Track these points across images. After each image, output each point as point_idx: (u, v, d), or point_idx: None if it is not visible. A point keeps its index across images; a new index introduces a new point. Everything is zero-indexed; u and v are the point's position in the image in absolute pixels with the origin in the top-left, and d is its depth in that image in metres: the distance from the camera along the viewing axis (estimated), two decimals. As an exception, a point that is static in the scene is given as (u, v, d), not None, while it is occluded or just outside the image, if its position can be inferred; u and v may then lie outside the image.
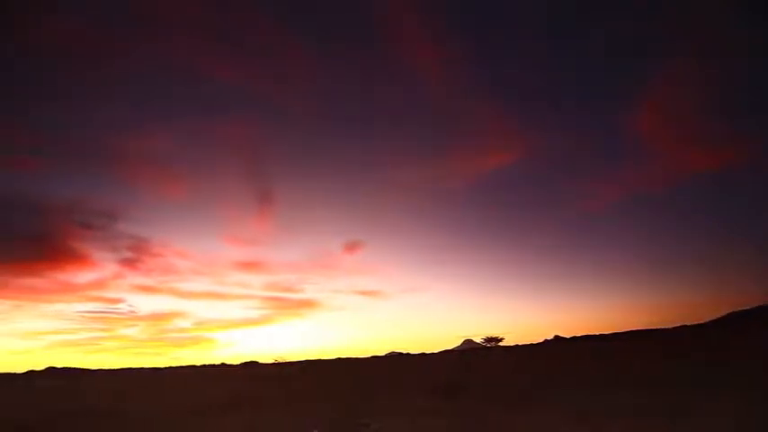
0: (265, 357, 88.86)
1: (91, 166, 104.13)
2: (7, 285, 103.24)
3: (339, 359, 70.72)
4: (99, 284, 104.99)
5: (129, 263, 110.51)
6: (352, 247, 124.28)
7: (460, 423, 10.33)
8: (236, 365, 74.06)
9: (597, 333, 75.15)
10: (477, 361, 34.70)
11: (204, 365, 76.41)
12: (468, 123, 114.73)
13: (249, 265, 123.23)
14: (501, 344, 66.50)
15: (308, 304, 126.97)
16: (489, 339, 65.94)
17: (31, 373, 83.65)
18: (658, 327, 75.06)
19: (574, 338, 76.49)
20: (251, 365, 71.89)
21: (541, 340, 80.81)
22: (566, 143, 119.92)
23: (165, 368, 79.43)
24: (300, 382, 26.41)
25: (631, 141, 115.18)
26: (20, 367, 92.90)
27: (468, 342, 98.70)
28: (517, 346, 70.41)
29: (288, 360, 67.76)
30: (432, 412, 11.81)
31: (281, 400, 16.85)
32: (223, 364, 78.57)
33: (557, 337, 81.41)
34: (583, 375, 18.73)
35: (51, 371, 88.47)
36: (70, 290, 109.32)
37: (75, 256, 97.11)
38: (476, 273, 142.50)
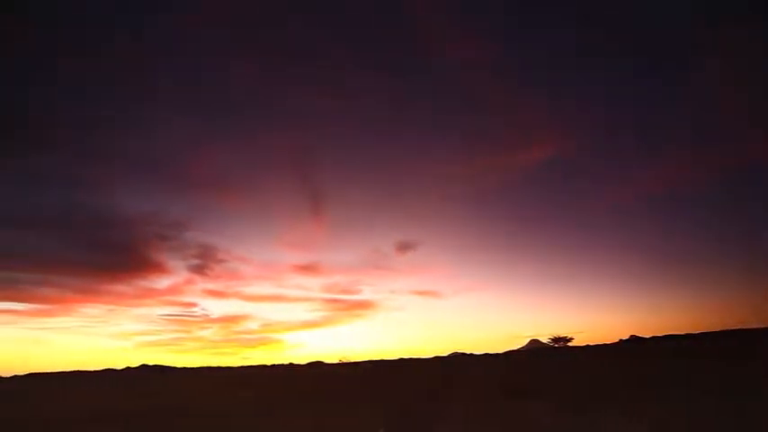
0: (330, 357, 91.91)
1: (162, 182, 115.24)
2: (100, 292, 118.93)
3: (402, 359, 70.97)
4: (174, 290, 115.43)
5: (198, 269, 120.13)
6: (404, 247, 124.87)
7: (529, 427, 9.92)
8: (303, 365, 77.10)
9: (681, 333, 68.23)
10: (545, 361, 33.08)
11: (273, 365, 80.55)
12: (512, 117, 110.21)
13: (306, 269, 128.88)
14: (570, 344, 62.97)
15: (366, 305, 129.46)
16: (557, 339, 62.73)
17: (128, 369, 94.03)
18: (749, 327, 66.43)
19: (654, 338, 70.12)
20: (317, 365, 74.50)
21: (616, 340, 75.06)
22: (614, 132, 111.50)
23: (238, 367, 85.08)
24: (365, 382, 26.92)
25: (699, 124, 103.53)
26: (117, 364, 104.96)
27: (535, 342, 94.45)
28: (588, 346, 66.23)
29: (352, 360, 69.48)
30: (499, 414, 11.47)
31: (346, 399, 17.29)
32: (291, 364, 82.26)
33: (633, 337, 75.15)
34: (663, 379, 17.12)
35: (144, 368, 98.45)
36: (151, 295, 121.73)
37: (154, 264, 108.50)
38: (538, 270, 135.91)
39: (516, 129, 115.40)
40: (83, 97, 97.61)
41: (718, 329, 68.84)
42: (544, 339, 67.64)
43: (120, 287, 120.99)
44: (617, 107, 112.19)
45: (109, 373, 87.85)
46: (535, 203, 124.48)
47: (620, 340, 76.36)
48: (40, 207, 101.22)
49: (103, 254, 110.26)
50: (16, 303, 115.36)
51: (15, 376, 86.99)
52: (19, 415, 16.08)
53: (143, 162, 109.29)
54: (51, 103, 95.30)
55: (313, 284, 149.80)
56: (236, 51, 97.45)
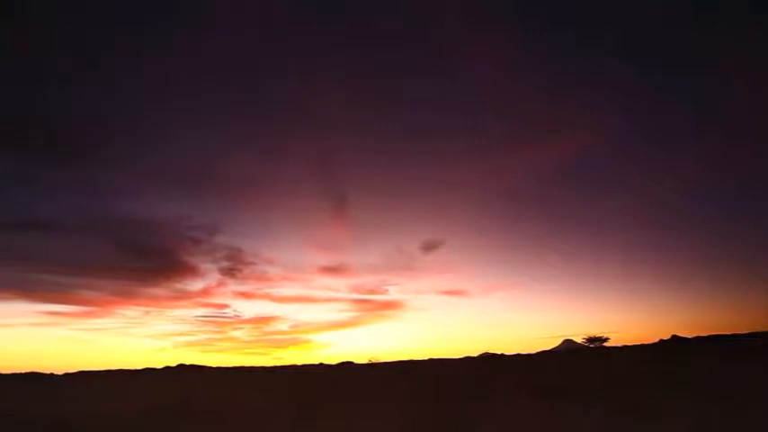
0: (359, 357, 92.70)
1: (191, 187, 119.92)
2: (138, 294, 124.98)
3: (432, 359, 70.62)
4: (207, 292, 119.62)
5: (228, 272, 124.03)
6: (430, 246, 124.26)
7: (567, 428, 9.71)
8: (333, 365, 78.01)
9: (727, 333, 64.57)
10: (581, 362, 32.13)
11: (304, 365, 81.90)
12: (538, 113, 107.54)
13: (333, 270, 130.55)
14: (606, 344, 60.86)
15: (393, 305, 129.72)
16: (592, 339, 60.78)
17: (167, 368, 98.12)
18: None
19: (698, 339, 66.73)
20: (346, 365, 75.21)
21: (656, 340, 71.95)
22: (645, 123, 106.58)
23: (271, 367, 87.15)
24: (396, 382, 27.01)
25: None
26: (157, 363, 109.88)
27: (568, 342, 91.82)
28: (626, 346, 63.85)
29: (382, 360, 69.76)
30: (532, 416, 11.29)
31: (377, 399, 17.42)
32: (321, 364, 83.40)
33: (675, 337, 71.78)
34: (707, 380, 16.30)
35: (182, 367, 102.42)
36: (185, 297, 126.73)
37: (187, 267, 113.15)
38: (569, 268, 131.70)
39: (544, 124, 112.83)
40: (114, 105, 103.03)
41: (767, 329, 64.87)
42: (578, 339, 65.64)
43: (156, 290, 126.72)
44: (647, 101, 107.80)
45: (150, 371, 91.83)
46: (565, 199, 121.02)
47: (661, 340, 73.12)
48: (81, 213, 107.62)
49: (139, 258, 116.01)
50: (63, 305, 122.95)
51: (67, 374, 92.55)
52: (74, 415, 17.10)
53: (173, 167, 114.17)
54: (87, 112, 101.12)
55: (340, 285, 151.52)
56: (263, 57, 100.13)
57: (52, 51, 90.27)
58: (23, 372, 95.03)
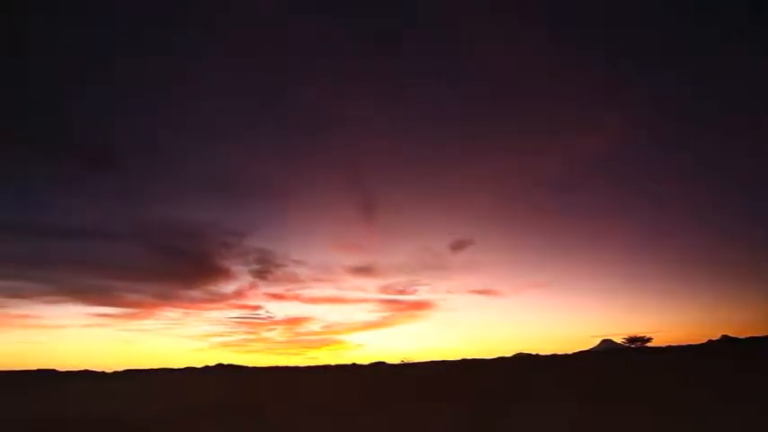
0: (391, 358, 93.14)
1: (222, 192, 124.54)
2: (178, 297, 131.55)
3: (464, 360, 69.92)
4: (240, 294, 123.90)
5: (260, 274, 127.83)
6: (458, 246, 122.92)
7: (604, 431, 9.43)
8: (366, 365, 78.64)
9: (786, 332, 60.08)
10: (621, 363, 30.91)
11: (337, 365, 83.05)
12: (563, 105, 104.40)
13: (362, 271, 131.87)
14: (648, 344, 58.14)
15: (423, 305, 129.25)
16: (633, 339, 58.24)
17: (206, 368, 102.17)
18: None
19: (751, 339, 62.58)
20: (379, 366, 75.62)
21: (704, 341, 68.00)
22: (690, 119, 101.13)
23: (304, 367, 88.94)
24: (430, 382, 26.97)
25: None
26: (196, 363, 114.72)
27: (607, 342, 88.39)
28: (670, 347, 60.84)
29: (414, 360, 69.74)
30: (571, 418, 11.03)
31: (408, 399, 17.49)
32: (354, 365, 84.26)
33: (725, 337, 67.58)
34: (760, 382, 15.32)
35: (220, 366, 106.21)
36: (220, 299, 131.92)
37: (220, 270, 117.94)
38: (606, 266, 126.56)
39: (575, 120, 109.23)
40: (152, 115, 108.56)
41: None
42: (618, 339, 63.03)
43: (193, 292, 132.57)
44: (690, 94, 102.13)
45: (191, 371, 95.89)
46: (601, 195, 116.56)
47: (709, 341, 69.12)
48: (123, 220, 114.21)
49: (177, 262, 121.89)
50: (110, 308, 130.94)
51: (115, 373, 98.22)
52: (126, 414, 18.18)
53: (207, 174, 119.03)
54: (127, 123, 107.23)
55: (369, 286, 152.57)
56: (292, 64, 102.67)
57: (92, 65, 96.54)
58: (78, 370, 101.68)
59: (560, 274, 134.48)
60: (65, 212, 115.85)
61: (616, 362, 33.76)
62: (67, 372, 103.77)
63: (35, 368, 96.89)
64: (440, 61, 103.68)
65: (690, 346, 60.26)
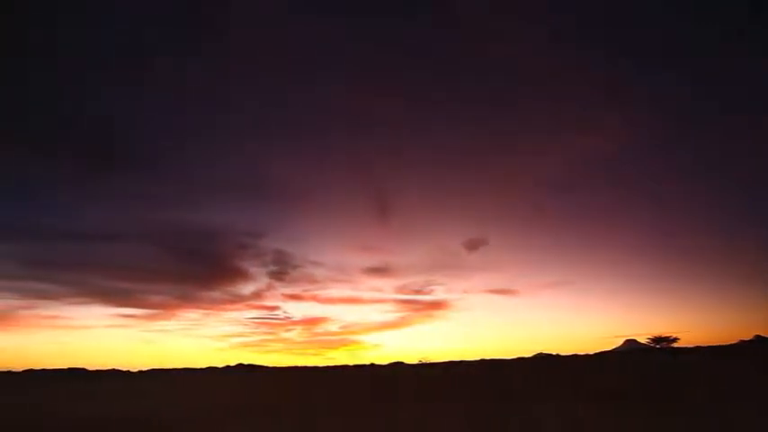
0: (409, 358, 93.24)
1: (238, 195, 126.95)
2: (198, 298, 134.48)
3: (483, 360, 69.30)
4: (258, 295, 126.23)
5: (277, 275, 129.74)
6: (473, 245, 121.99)
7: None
8: (384, 365, 78.81)
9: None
10: (645, 363, 30.10)
11: (356, 365, 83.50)
12: (584, 104, 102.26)
13: (378, 271, 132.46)
14: (675, 344, 56.21)
15: (440, 305, 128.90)
16: (658, 339, 56.37)
17: (228, 368, 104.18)
18: None
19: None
20: (397, 366, 75.62)
21: (735, 341, 65.48)
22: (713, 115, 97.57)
23: (323, 367, 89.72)
24: (449, 383, 26.84)
25: None
26: (218, 363, 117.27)
27: (631, 342, 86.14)
28: (698, 347, 58.83)
29: (432, 360, 69.52)
30: (592, 418, 10.82)
31: (426, 399, 17.45)
32: (372, 365, 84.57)
33: (758, 338, 64.89)
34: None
35: (240, 366, 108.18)
36: (239, 300, 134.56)
37: (238, 271, 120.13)
38: (629, 265, 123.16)
39: (594, 115, 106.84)
40: (167, 120, 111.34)
41: None
42: (642, 339, 61.23)
43: (212, 294, 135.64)
44: (707, 90, 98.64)
45: (213, 370, 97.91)
46: (620, 194, 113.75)
47: (741, 341, 66.56)
48: (143, 223, 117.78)
49: (196, 264, 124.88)
50: (133, 309, 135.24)
51: (141, 372, 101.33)
52: (155, 413, 18.75)
53: (223, 177, 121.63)
54: (146, 128, 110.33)
55: (385, 286, 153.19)
56: (308, 66, 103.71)
57: (109, 66, 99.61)
58: (107, 369, 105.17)
59: (580, 274, 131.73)
60: (89, 217, 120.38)
61: (639, 362, 32.88)
62: (97, 371, 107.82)
63: (66, 367, 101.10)
64: (452, 63, 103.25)
65: (720, 346, 58.16)
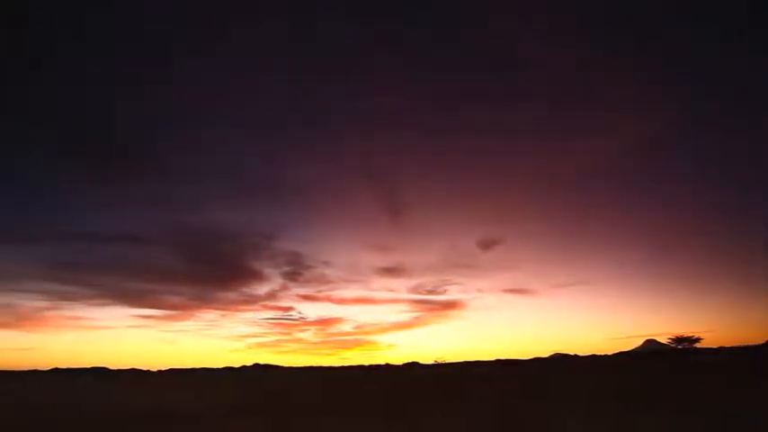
0: (424, 358, 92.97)
1: (251, 197, 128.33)
2: (214, 299, 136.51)
3: (499, 360, 68.57)
4: (273, 296, 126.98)
5: (290, 276, 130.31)
6: (487, 244, 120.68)
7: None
8: (399, 366, 78.71)
9: None
10: (665, 364, 29.34)
11: (371, 365, 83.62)
12: (601, 100, 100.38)
13: (391, 271, 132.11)
14: (697, 345, 54.73)
15: (454, 305, 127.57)
16: (680, 340, 54.98)
17: (244, 367, 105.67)
18: None
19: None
20: (412, 366, 75.44)
21: (762, 342, 63.22)
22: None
23: (338, 367, 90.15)
24: (462, 382, 26.68)
25: None
26: (234, 362, 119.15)
27: (651, 342, 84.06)
28: (722, 348, 57.01)
29: (448, 360, 69.15)
30: (611, 419, 10.61)
31: (442, 399, 17.37)
32: (387, 365, 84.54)
33: (786, 338, 62.65)
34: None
35: (257, 366, 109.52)
36: (254, 301, 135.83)
37: (252, 272, 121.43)
38: (650, 264, 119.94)
39: (611, 114, 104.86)
40: (181, 122, 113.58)
41: None
42: (663, 340, 59.78)
43: (228, 294, 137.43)
44: (726, 84, 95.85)
45: (230, 370, 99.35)
46: (643, 189, 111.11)
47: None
48: (160, 226, 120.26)
49: (212, 265, 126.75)
50: (151, 310, 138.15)
51: (159, 371, 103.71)
52: (174, 409, 19.15)
53: (237, 179, 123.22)
54: (160, 131, 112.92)
55: (399, 286, 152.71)
56: (319, 67, 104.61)
57: (124, 71, 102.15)
58: (127, 368, 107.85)
59: (598, 273, 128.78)
60: (111, 220, 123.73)
61: (658, 363, 32.09)
62: (119, 370, 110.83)
63: (89, 366, 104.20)
64: (471, 59, 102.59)
65: (746, 346, 56.31)
